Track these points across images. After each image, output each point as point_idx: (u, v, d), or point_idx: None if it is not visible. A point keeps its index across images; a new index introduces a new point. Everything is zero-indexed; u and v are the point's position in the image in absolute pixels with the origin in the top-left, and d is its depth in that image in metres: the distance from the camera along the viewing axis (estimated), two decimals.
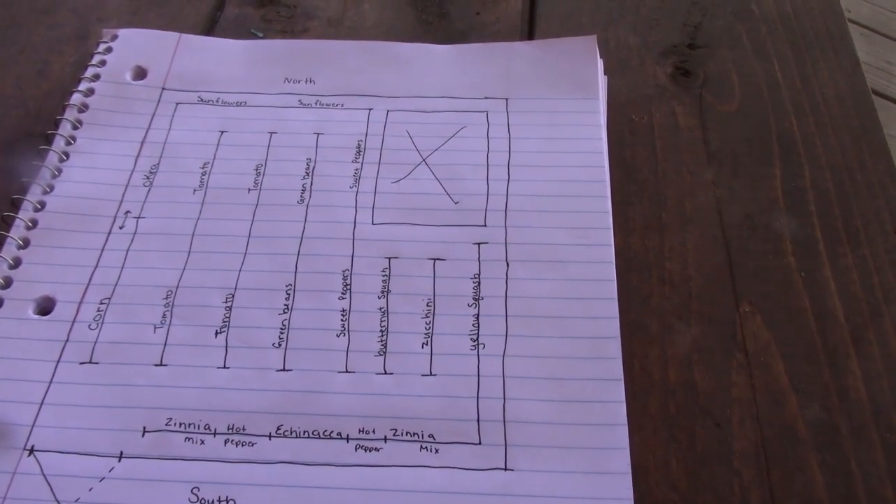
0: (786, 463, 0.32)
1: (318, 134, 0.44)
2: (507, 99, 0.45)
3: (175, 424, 0.33)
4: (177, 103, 0.46)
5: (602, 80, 0.45)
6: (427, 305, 0.37)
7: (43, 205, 0.41)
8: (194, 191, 0.41)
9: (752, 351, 0.35)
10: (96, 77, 0.47)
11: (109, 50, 0.48)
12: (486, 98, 0.45)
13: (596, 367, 0.34)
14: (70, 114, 0.45)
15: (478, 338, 0.35)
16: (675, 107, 0.45)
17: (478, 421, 0.33)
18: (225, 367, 0.35)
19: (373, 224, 0.40)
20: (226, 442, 0.33)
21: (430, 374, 0.34)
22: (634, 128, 0.44)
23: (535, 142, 0.43)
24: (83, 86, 0.46)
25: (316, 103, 0.45)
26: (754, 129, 0.44)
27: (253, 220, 0.40)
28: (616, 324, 0.35)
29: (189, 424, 0.33)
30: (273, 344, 0.36)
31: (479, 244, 0.39)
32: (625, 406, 0.33)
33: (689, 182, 0.42)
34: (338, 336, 0.36)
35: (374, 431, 0.33)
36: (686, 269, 0.38)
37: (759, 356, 0.35)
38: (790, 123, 0.44)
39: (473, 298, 0.37)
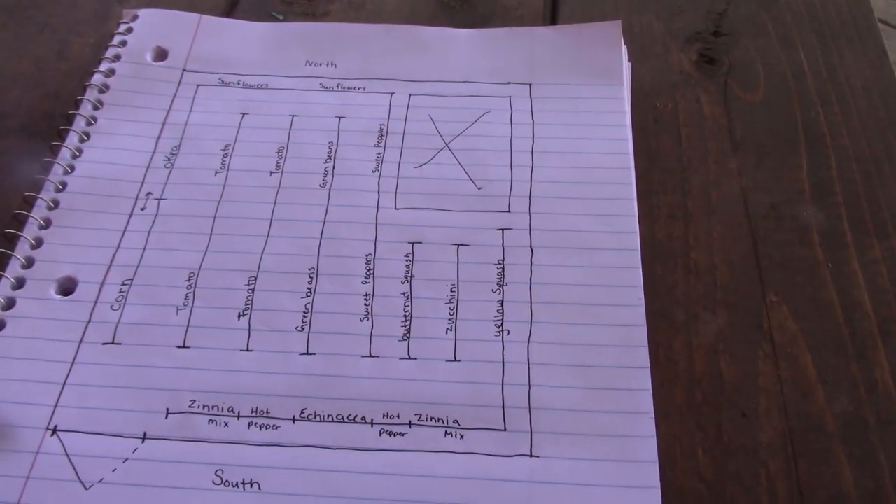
0: (813, 455, 0.32)
1: (340, 117, 0.44)
2: (530, 84, 0.44)
3: (198, 406, 0.33)
4: (197, 85, 0.45)
5: (626, 67, 0.45)
6: (451, 291, 0.36)
7: (64, 185, 0.41)
8: (216, 173, 0.41)
9: (778, 342, 0.35)
10: (117, 58, 0.46)
11: (130, 30, 0.47)
12: (509, 83, 0.44)
13: (622, 354, 0.34)
14: (90, 94, 0.45)
15: (502, 324, 0.35)
16: (699, 95, 0.45)
17: (503, 407, 0.33)
18: (248, 350, 0.35)
19: (395, 209, 0.40)
20: (249, 425, 0.33)
21: (455, 360, 0.34)
22: (659, 115, 0.44)
23: (558, 128, 0.42)
24: (104, 66, 0.46)
25: (338, 87, 0.45)
26: (780, 119, 0.44)
27: (275, 203, 0.40)
28: (642, 311, 0.35)
29: (212, 407, 0.33)
30: (296, 327, 0.35)
31: (502, 230, 0.38)
32: (651, 394, 0.33)
33: (714, 171, 0.41)
34: (361, 320, 0.36)
35: (398, 416, 0.33)
36: (711, 258, 0.38)
37: (786, 347, 0.35)
38: (816, 114, 0.44)
39: (497, 284, 0.36)
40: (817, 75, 0.45)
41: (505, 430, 0.32)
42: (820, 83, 0.45)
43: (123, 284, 0.37)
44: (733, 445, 0.32)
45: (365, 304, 0.36)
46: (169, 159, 0.42)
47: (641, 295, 0.36)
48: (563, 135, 0.42)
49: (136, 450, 0.32)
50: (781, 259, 0.38)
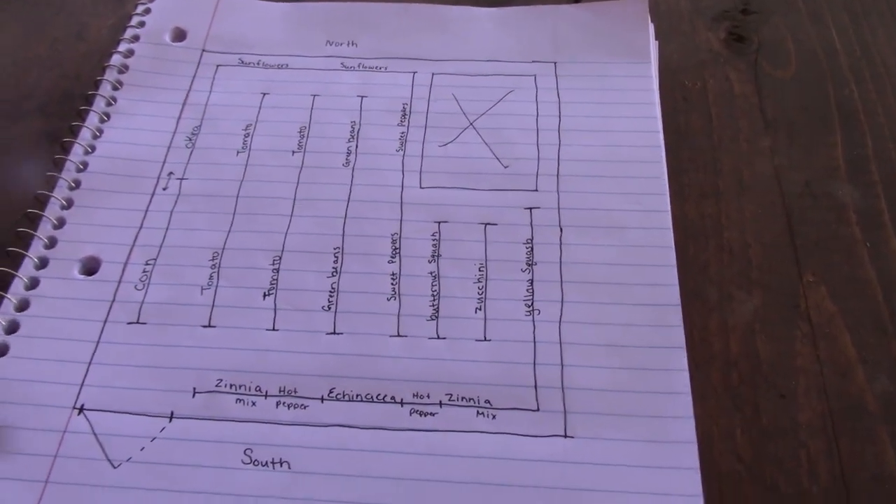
0: (854, 435, 0.31)
1: (362, 97, 0.43)
2: (555, 63, 0.44)
3: (225, 386, 0.33)
4: (217, 65, 0.45)
5: (653, 45, 0.44)
6: (479, 270, 0.36)
7: (85, 165, 0.40)
8: (237, 152, 0.41)
9: (816, 322, 0.34)
10: (135, 38, 0.46)
11: (148, 11, 0.47)
12: (533, 62, 0.44)
13: (656, 335, 0.33)
14: (110, 75, 0.44)
15: (532, 303, 0.35)
16: (729, 73, 0.44)
17: (535, 387, 0.32)
18: (274, 330, 0.34)
19: (420, 188, 0.39)
20: (277, 404, 0.32)
21: (485, 340, 0.34)
22: (688, 94, 0.43)
23: (585, 106, 0.41)
24: (122, 47, 0.45)
25: (359, 66, 0.44)
26: (812, 97, 0.43)
27: (298, 183, 0.39)
28: (676, 291, 0.34)
29: (240, 386, 0.33)
30: (322, 307, 0.35)
31: (530, 209, 0.38)
32: (688, 374, 0.32)
33: (745, 150, 0.41)
34: (388, 300, 0.35)
35: (428, 396, 0.32)
36: (745, 237, 0.37)
37: (824, 327, 0.34)
38: (850, 91, 0.43)
39: (527, 264, 0.36)
40: (850, 52, 0.44)
41: (538, 410, 0.32)
42: (853, 60, 0.44)
43: (147, 264, 0.37)
44: (772, 427, 0.32)
45: (392, 284, 0.35)
46: (190, 139, 0.41)
47: (675, 274, 0.35)
48: (590, 113, 0.41)
49: (163, 429, 0.32)
50: (817, 238, 0.37)
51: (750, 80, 0.44)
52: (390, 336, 0.34)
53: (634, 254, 0.36)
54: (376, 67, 0.44)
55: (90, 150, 0.41)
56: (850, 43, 0.45)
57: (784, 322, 0.34)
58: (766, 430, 0.32)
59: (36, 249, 0.37)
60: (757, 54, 0.45)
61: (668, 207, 0.37)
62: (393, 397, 0.32)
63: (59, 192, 0.39)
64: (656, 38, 0.44)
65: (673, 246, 0.36)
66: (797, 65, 0.44)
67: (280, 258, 0.37)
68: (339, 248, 0.37)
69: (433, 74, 0.44)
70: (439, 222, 0.37)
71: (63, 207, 0.39)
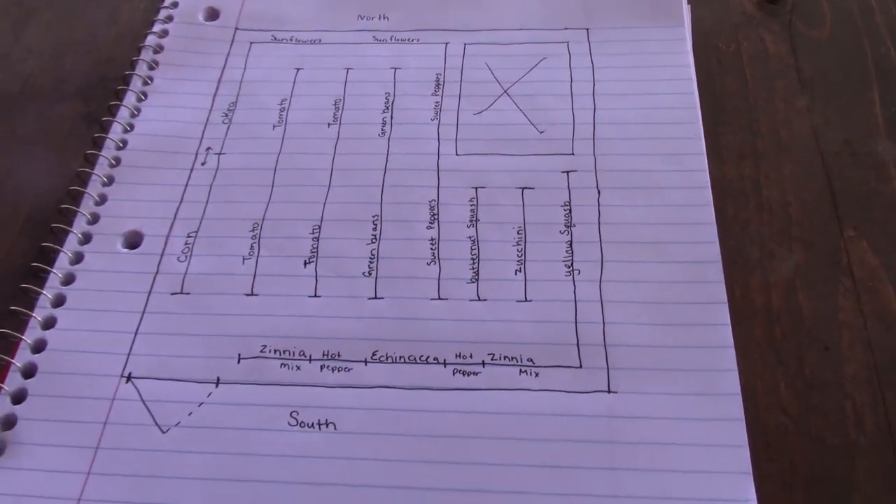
0: None
1: (395, 69, 0.43)
2: (587, 29, 0.43)
3: (270, 351, 0.33)
4: (251, 42, 0.45)
5: (686, 9, 0.44)
6: (518, 233, 0.36)
7: (124, 143, 0.41)
8: (274, 126, 0.41)
9: (859, 276, 0.34)
10: (169, 19, 0.46)
11: None
12: (565, 29, 0.44)
13: (697, 291, 0.33)
14: (145, 55, 0.45)
15: (572, 264, 0.35)
16: (763, 34, 0.44)
17: (577, 345, 0.32)
18: (316, 296, 0.35)
19: (457, 155, 0.39)
20: (322, 368, 0.32)
21: (526, 300, 0.34)
22: (722, 57, 0.43)
23: (619, 70, 0.41)
24: (156, 28, 0.46)
25: (391, 39, 0.45)
26: (848, 56, 0.42)
27: (335, 154, 0.40)
28: (716, 248, 0.34)
29: (284, 351, 0.33)
30: (363, 273, 0.35)
31: (567, 172, 0.38)
32: (730, 328, 0.32)
33: (782, 110, 0.40)
34: (428, 264, 0.35)
35: (471, 356, 0.32)
36: (785, 195, 0.37)
37: (867, 281, 0.34)
38: (886, 49, 0.42)
39: (565, 226, 0.36)
40: (886, 11, 0.44)
41: (581, 367, 0.32)
42: (889, 19, 0.44)
43: (188, 237, 0.37)
44: (817, 380, 0.32)
45: (431, 249, 0.36)
46: (227, 115, 0.42)
47: (715, 231, 0.35)
48: (624, 77, 0.41)
49: (210, 394, 0.32)
50: (858, 194, 0.37)
51: (785, 40, 0.43)
52: (431, 299, 0.34)
53: (673, 213, 0.36)
54: (408, 40, 0.44)
55: (129, 128, 0.42)
56: (886, 1, 0.44)
57: (826, 277, 0.34)
58: (811, 384, 0.31)
59: (79, 225, 0.38)
60: (791, 15, 0.44)
61: (706, 167, 0.37)
62: (436, 358, 0.32)
63: (100, 170, 0.40)
64: (689, 2, 0.44)
65: (711, 203, 0.36)
66: (832, 24, 0.44)
67: (319, 227, 0.37)
68: (377, 215, 0.37)
69: (465, 45, 0.44)
70: (476, 188, 0.38)
71: (104, 184, 0.39)
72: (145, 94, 0.43)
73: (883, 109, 0.40)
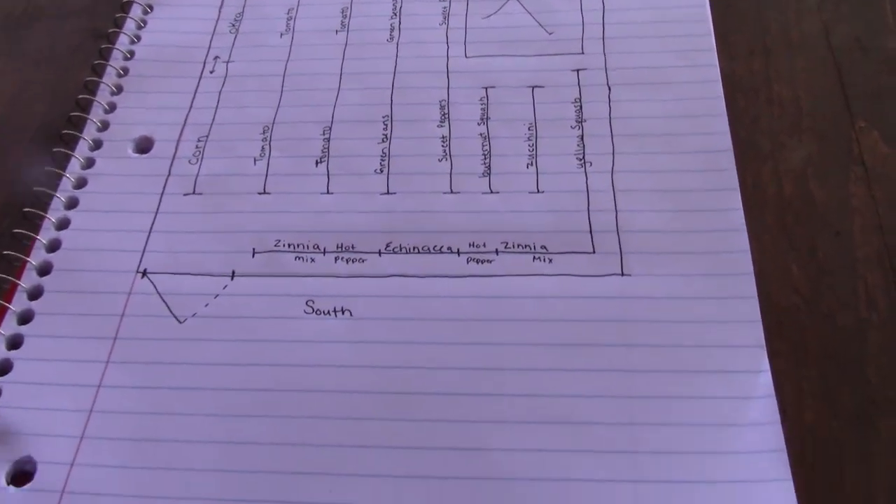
0: None
1: None
2: None
3: (284, 245, 0.33)
4: None
5: None
6: (528, 129, 0.36)
7: (132, 54, 0.41)
8: (281, 35, 0.41)
9: (870, 164, 0.34)
10: None
11: None
12: None
13: (709, 178, 0.33)
14: None
15: (584, 156, 0.35)
16: None
17: (590, 232, 0.32)
18: (328, 193, 0.35)
19: (466, 57, 0.39)
20: (336, 259, 0.33)
21: (538, 192, 0.34)
22: None
23: None
24: None
25: None
26: None
27: (343, 59, 0.39)
28: (728, 138, 0.34)
29: (298, 245, 0.33)
30: (375, 170, 0.35)
31: (577, 70, 0.38)
32: (742, 213, 0.32)
33: (793, 7, 0.40)
34: (440, 161, 0.35)
35: (484, 245, 0.32)
36: (795, 90, 0.37)
37: (878, 168, 0.34)
38: None
39: (576, 121, 0.36)
40: None
41: (594, 252, 0.32)
42: None
43: (199, 141, 0.37)
44: (829, 262, 0.32)
45: (442, 146, 0.36)
46: (234, 25, 0.42)
47: (726, 122, 0.35)
48: None
49: (226, 286, 0.32)
50: (869, 88, 0.37)
51: None
52: (444, 193, 0.34)
53: (684, 106, 0.35)
54: None
55: (136, 39, 0.41)
56: None
57: (837, 166, 0.34)
58: (823, 267, 0.32)
59: (90, 132, 0.38)
60: None
61: (716, 62, 0.37)
62: (449, 248, 0.32)
63: (108, 79, 0.40)
64: None
65: (722, 96, 0.36)
66: None
67: (330, 128, 0.37)
68: (387, 115, 0.37)
69: None
70: (486, 88, 0.37)
71: (113, 93, 0.39)
72: (151, 7, 0.43)
73: (893, 6, 0.39)
